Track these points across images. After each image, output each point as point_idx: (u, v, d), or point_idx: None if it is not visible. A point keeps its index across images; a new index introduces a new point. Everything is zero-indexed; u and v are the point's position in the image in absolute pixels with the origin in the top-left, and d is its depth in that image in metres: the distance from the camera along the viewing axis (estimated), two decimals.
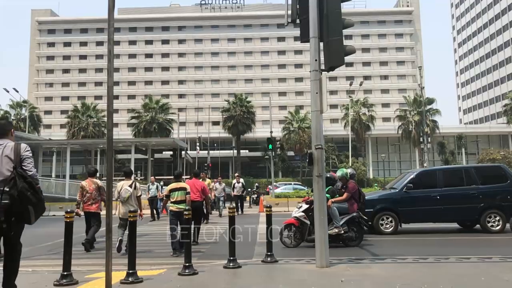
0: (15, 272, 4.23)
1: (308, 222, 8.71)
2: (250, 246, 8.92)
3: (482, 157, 48.52)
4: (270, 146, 27.15)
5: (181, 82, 73.68)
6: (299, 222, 8.95)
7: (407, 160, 59.82)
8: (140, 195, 8.72)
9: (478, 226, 11.24)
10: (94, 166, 12.01)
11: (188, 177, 14.95)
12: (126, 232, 7.78)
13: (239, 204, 18.76)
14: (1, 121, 4.46)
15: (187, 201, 8.45)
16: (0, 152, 4.06)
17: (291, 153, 53.15)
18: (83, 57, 74.40)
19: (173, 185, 8.70)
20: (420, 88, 45.97)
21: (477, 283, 5.50)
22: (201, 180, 10.89)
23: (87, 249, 8.65)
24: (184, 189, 8.60)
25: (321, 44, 6.74)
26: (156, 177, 20.97)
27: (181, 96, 72.37)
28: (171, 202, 8.56)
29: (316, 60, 6.66)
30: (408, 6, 78.13)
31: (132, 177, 8.97)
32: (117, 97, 68.18)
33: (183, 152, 34.10)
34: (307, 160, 6.69)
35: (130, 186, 8.45)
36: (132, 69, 73.58)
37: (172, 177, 11.45)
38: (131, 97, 70.01)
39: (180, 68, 74.19)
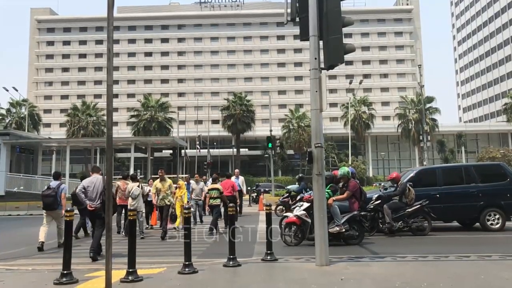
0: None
1: (309, 221, 8.70)
2: (250, 245, 8.94)
3: (482, 156, 48.52)
4: (270, 145, 27.06)
5: (180, 80, 73.60)
6: (301, 220, 8.95)
7: (407, 158, 59.83)
8: (148, 193, 11.70)
9: (477, 224, 11.25)
10: (127, 171, 14.79)
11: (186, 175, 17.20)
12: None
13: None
14: (96, 166, 9.21)
15: (222, 198, 11.59)
16: (95, 180, 7.91)
17: (290, 152, 53.16)
18: (82, 55, 74.29)
19: (210, 186, 11.85)
20: (419, 87, 46.00)
21: (476, 282, 5.50)
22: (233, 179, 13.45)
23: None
24: (218, 189, 11.60)
25: (321, 42, 6.74)
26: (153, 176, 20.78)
27: (180, 94, 72.30)
28: (209, 198, 11.52)
29: (315, 58, 6.65)
30: (407, 4, 78.06)
31: (138, 180, 11.42)
32: (116, 95, 68.10)
33: (182, 151, 34.03)
34: (307, 159, 6.70)
35: (138, 186, 10.89)
36: (132, 68, 73.50)
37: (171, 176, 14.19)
38: (131, 95, 69.92)
39: (180, 67, 74.10)
